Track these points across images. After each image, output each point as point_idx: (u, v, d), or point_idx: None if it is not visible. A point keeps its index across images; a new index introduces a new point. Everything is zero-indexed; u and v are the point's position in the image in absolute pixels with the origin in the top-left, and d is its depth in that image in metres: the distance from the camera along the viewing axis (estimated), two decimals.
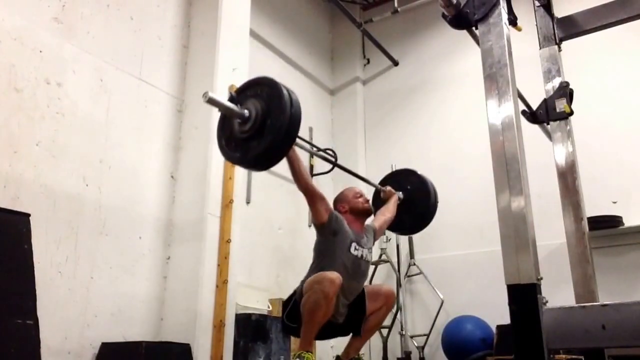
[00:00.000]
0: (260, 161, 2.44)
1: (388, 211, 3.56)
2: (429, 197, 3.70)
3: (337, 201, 3.34)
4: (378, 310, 3.17)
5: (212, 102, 2.30)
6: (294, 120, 2.33)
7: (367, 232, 3.30)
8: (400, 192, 3.68)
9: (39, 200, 3.14)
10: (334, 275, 2.80)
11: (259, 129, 2.31)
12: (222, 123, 2.52)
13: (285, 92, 2.33)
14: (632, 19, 3.19)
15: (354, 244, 3.09)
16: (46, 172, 3.21)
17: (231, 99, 2.41)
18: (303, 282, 2.99)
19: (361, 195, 3.32)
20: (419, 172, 3.84)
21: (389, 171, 5.74)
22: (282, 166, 5.35)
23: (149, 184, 3.87)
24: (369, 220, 3.39)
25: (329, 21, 6.87)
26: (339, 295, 2.94)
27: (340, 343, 3.30)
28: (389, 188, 3.66)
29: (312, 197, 3.00)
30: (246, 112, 2.33)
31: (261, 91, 2.38)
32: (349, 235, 3.10)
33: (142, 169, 3.85)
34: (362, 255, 3.13)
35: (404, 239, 5.61)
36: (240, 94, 2.44)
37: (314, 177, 5.68)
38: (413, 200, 3.72)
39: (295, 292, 3.03)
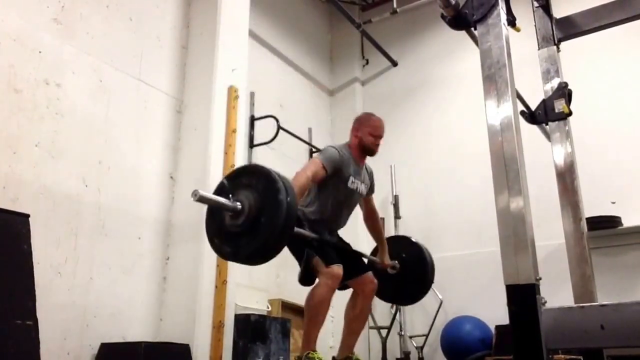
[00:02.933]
0: (253, 259, 2.34)
1: (379, 223, 3.57)
2: (425, 263, 3.57)
3: (360, 122, 3.33)
4: (356, 303, 3.20)
5: (202, 200, 2.14)
6: (289, 219, 2.15)
7: (367, 170, 3.38)
8: (396, 262, 3.52)
9: (39, 201, 3.14)
10: (339, 272, 2.91)
11: (252, 224, 2.16)
12: (212, 211, 2.34)
13: (282, 187, 2.15)
14: (630, 20, 3.20)
15: (351, 178, 3.18)
16: (45, 172, 3.21)
17: (221, 189, 2.28)
18: (304, 213, 3.10)
19: (380, 137, 3.31)
20: (413, 239, 3.72)
21: (388, 172, 5.80)
22: (281, 166, 5.36)
23: (148, 185, 3.88)
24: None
25: (328, 22, 6.87)
26: (333, 221, 3.20)
27: (339, 343, 3.30)
28: (387, 262, 3.49)
29: (313, 180, 3.04)
30: (238, 205, 2.17)
31: (256, 183, 2.22)
32: (349, 168, 3.17)
33: (142, 169, 3.85)
34: (356, 188, 3.23)
35: None
36: (234, 180, 2.30)
37: None
38: (410, 269, 3.55)
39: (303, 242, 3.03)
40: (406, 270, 3.54)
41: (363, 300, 3.17)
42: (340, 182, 3.13)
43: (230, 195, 2.21)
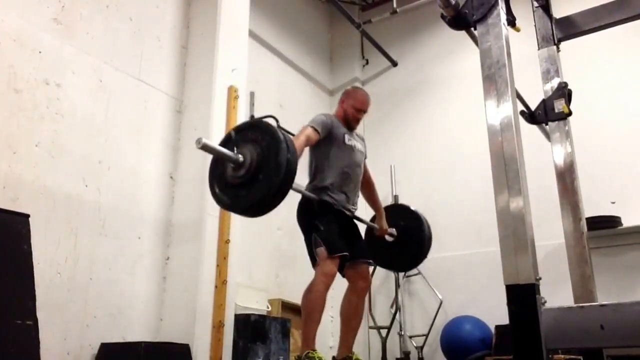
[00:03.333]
0: (249, 211, 2.46)
1: (376, 191, 3.62)
2: (422, 231, 3.62)
3: (347, 94, 3.48)
4: (351, 298, 3.21)
5: (206, 149, 2.23)
6: (288, 175, 2.24)
7: (357, 135, 3.48)
8: (394, 229, 3.57)
9: (39, 200, 3.14)
10: (335, 271, 2.98)
11: (252, 177, 2.25)
12: (216, 161, 2.43)
13: (284, 145, 2.24)
14: (630, 20, 3.21)
15: (346, 136, 3.31)
16: (45, 172, 3.21)
17: (228, 139, 2.37)
18: (313, 189, 3.17)
19: (363, 112, 3.44)
20: (412, 208, 3.78)
21: (388, 172, 5.80)
22: None
23: (148, 185, 3.88)
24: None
25: (328, 22, 6.87)
26: (347, 185, 3.23)
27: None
28: (384, 228, 3.53)
29: (306, 144, 3.14)
30: (240, 157, 2.26)
31: (261, 138, 2.30)
32: (341, 129, 3.31)
33: (141, 169, 3.85)
34: (354, 146, 3.35)
35: None
36: (240, 133, 2.39)
37: None
38: (408, 237, 3.61)
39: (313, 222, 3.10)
40: (404, 238, 3.60)
41: (356, 298, 3.20)
42: (337, 142, 3.24)
43: (235, 148, 2.29)
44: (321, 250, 2.99)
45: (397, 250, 3.57)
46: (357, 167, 3.35)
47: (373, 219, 3.61)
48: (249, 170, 2.25)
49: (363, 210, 3.67)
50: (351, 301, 3.19)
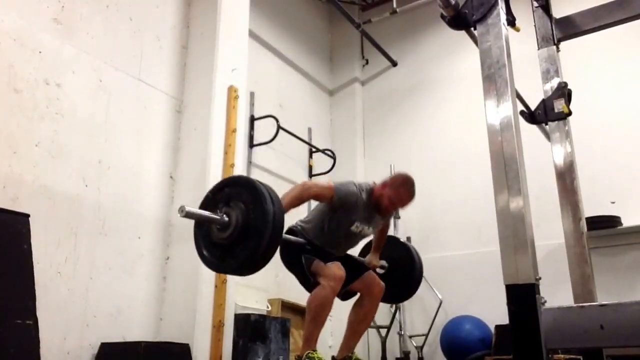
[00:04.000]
0: (239, 271, 2.40)
1: (386, 233, 3.47)
2: (413, 264, 3.52)
3: (393, 183, 3.13)
4: (363, 305, 3.14)
5: (189, 216, 2.14)
6: (276, 230, 2.13)
7: (376, 218, 3.23)
8: (384, 261, 3.45)
9: (39, 200, 3.14)
10: (341, 273, 2.87)
11: (239, 237, 2.15)
12: (200, 223, 2.32)
13: (268, 198, 2.14)
14: (629, 20, 3.21)
15: (356, 223, 3.06)
16: (45, 172, 3.21)
17: (208, 200, 2.29)
18: (302, 228, 3.06)
19: (400, 208, 3.25)
20: (401, 240, 3.71)
21: (388, 172, 5.79)
22: (281, 166, 5.36)
23: (148, 185, 3.88)
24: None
25: (328, 22, 6.87)
26: (335, 247, 3.07)
27: (338, 343, 3.30)
28: (374, 263, 3.38)
29: (314, 198, 3.02)
30: (226, 217, 2.17)
31: (243, 195, 2.20)
32: (358, 213, 3.05)
33: (141, 169, 3.85)
34: (360, 232, 3.12)
35: (402, 237, 5.61)
36: (220, 192, 2.29)
37: (313, 177, 5.71)
38: (398, 269, 3.51)
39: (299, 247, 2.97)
40: (395, 270, 3.51)
41: (370, 302, 3.13)
42: (344, 220, 3.04)
43: (222, 207, 2.21)
44: (317, 263, 2.88)
45: (388, 282, 3.41)
46: (353, 242, 3.20)
47: (364, 251, 3.54)
48: (235, 229, 2.16)
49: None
50: (364, 306, 3.12)
